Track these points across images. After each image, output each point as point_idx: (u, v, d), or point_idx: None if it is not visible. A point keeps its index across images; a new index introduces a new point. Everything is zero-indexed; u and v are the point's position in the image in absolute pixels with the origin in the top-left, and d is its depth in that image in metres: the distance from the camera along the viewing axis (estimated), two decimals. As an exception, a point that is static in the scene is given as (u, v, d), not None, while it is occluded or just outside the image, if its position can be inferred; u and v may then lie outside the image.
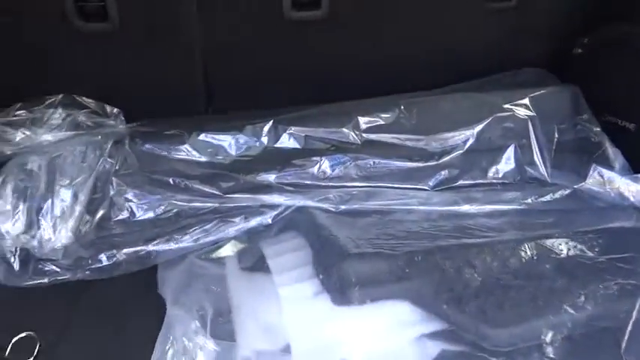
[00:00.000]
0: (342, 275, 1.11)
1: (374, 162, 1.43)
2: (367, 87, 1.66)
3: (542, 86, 1.60)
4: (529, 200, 1.37)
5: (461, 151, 1.47)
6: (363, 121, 1.49)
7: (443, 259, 1.14)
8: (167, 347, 0.99)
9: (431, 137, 1.47)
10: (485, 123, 1.48)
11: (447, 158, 1.46)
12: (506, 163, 1.47)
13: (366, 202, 1.38)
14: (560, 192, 1.38)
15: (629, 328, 1.01)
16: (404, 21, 1.68)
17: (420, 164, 1.46)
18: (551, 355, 0.97)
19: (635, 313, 1.04)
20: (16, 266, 1.35)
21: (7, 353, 1.12)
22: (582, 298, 1.04)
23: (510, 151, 1.48)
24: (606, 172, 1.36)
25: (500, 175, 1.47)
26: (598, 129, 1.51)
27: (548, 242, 1.18)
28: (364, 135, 1.49)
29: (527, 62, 1.77)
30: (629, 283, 1.06)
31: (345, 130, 1.49)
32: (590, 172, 1.37)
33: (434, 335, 1.05)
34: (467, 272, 1.11)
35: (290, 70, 1.73)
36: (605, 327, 1.05)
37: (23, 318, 1.20)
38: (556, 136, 1.50)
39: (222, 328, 1.09)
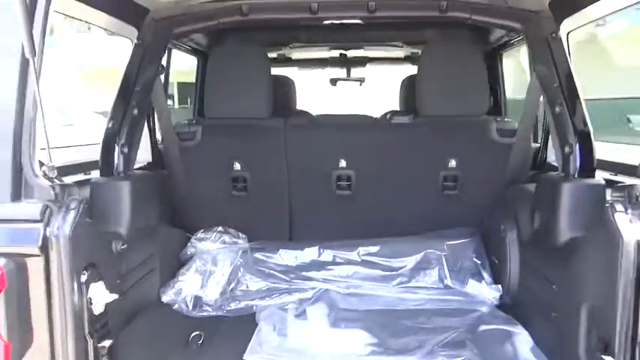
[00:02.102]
0: (334, 315, 2.55)
1: (364, 272, 2.92)
2: (371, 228, 3.17)
3: (462, 239, 3.02)
4: (439, 296, 2.76)
5: (409, 267, 2.91)
6: (362, 250, 3.00)
7: (386, 314, 2.56)
8: (259, 335, 2.47)
9: (394, 259, 2.94)
10: (422, 254, 2.94)
11: (401, 272, 2.91)
12: (431, 276, 2.89)
13: (358, 290, 2.84)
14: (455, 293, 2.76)
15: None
16: (390, 198, 3.20)
17: (387, 273, 2.91)
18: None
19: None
20: (190, 306, 2.90)
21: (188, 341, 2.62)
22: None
23: (435, 272, 2.90)
24: (477, 284, 2.73)
25: (429, 283, 2.88)
26: (479, 262, 2.89)
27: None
28: (362, 257, 2.99)
29: (467, 225, 3.18)
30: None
31: (353, 253, 3.00)
32: (471, 283, 2.74)
33: (371, 344, 2.43)
34: (394, 320, 2.52)
35: (335, 222, 3.30)
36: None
37: (194, 327, 2.70)
38: (459, 264, 2.90)
39: (282, 333, 2.56)
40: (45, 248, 1.86)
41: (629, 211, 1.79)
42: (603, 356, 1.79)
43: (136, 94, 2.60)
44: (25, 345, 1.89)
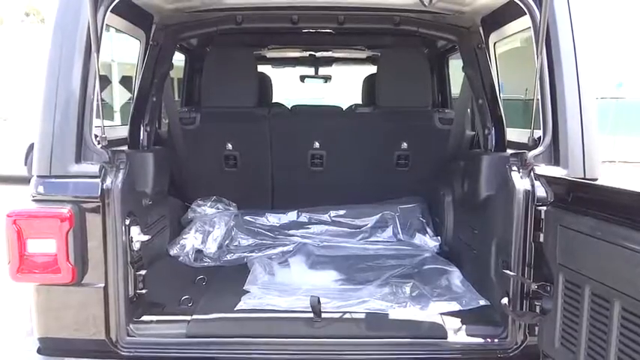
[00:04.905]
0: (311, 260, 3.29)
1: (334, 230, 3.67)
2: (339, 197, 3.93)
3: (411, 204, 3.81)
4: (393, 246, 3.54)
5: (370, 226, 3.68)
6: (333, 213, 3.75)
7: (351, 259, 3.31)
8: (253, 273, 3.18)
9: (357, 220, 3.71)
10: (379, 215, 3.71)
11: (363, 229, 3.67)
12: (387, 232, 3.66)
13: (330, 243, 3.59)
14: (405, 244, 3.54)
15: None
16: (354, 172, 3.97)
17: (352, 230, 3.67)
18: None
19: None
20: (192, 258, 3.58)
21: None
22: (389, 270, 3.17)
23: (390, 229, 3.67)
24: (422, 237, 3.52)
25: (385, 237, 3.66)
26: (424, 220, 3.69)
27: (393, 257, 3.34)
28: (332, 218, 3.74)
29: (415, 193, 3.97)
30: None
31: (325, 215, 3.75)
32: (417, 236, 3.54)
33: (340, 279, 3.17)
34: (358, 262, 3.27)
35: (309, 192, 4.03)
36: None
37: (199, 272, 3.38)
38: (409, 223, 3.69)
39: (270, 272, 3.28)
40: (102, 197, 2.53)
41: (521, 170, 2.59)
42: (505, 271, 2.58)
43: (154, 84, 3.25)
44: (86, 269, 2.55)
